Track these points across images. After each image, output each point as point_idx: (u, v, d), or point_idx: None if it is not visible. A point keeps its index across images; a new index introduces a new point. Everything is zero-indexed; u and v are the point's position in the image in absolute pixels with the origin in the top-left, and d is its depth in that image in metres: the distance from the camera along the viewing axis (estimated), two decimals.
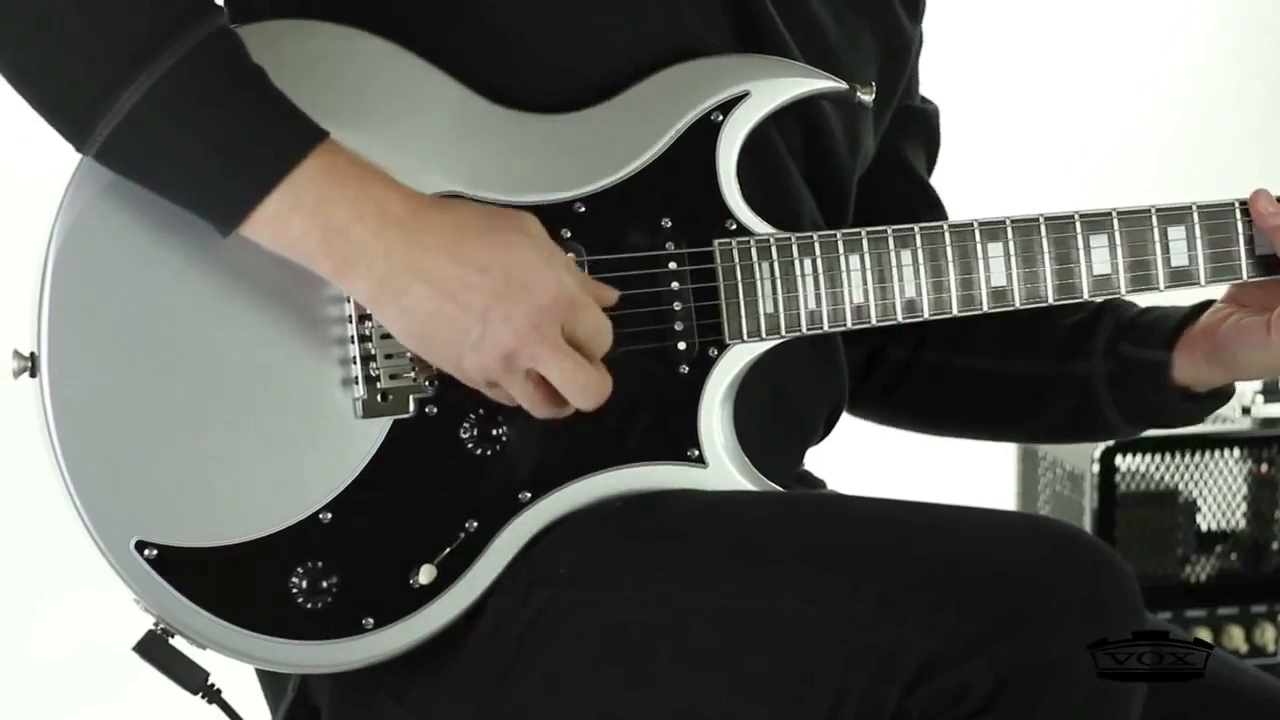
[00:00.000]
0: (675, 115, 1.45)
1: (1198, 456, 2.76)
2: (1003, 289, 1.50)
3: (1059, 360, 1.64)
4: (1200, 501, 2.76)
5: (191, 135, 1.28)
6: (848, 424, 1.65)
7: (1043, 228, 1.51)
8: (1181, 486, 2.75)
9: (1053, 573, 1.29)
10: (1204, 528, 2.76)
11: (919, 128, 1.71)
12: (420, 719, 1.42)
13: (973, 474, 2.98)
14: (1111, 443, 2.70)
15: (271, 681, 1.50)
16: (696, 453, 1.44)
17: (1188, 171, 3.44)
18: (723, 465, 1.44)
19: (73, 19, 1.26)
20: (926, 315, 1.49)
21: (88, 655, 3.06)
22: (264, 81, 1.30)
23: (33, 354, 1.35)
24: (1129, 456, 2.71)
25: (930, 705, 1.27)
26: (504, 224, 1.34)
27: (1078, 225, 1.52)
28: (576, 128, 1.44)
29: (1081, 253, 1.52)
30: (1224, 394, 1.61)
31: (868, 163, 1.62)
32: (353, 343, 1.38)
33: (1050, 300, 1.51)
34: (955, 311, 1.49)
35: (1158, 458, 2.74)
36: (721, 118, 1.45)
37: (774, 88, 1.46)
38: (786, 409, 1.55)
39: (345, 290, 1.34)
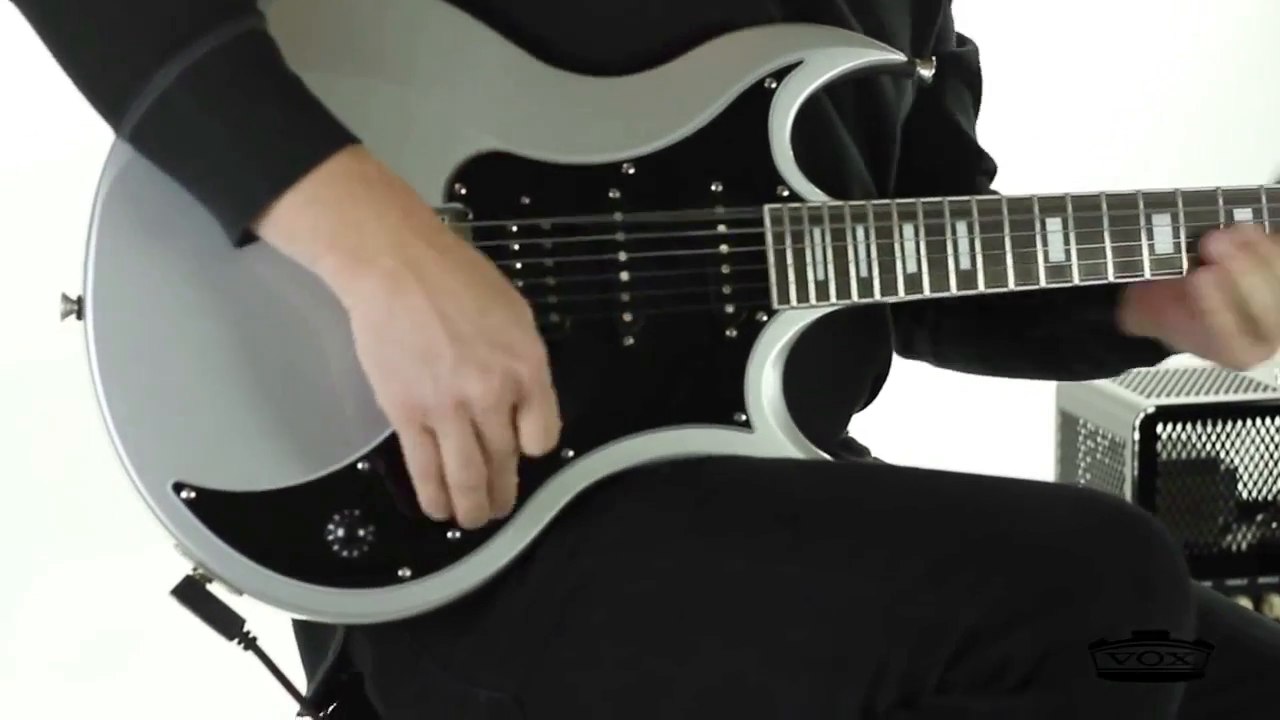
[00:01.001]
0: (729, 81, 1.45)
1: (1239, 425, 2.72)
2: (1061, 265, 1.48)
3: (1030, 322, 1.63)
4: (1241, 470, 2.72)
5: (218, 122, 1.30)
6: (887, 392, 1.63)
7: (1104, 204, 1.48)
8: (1222, 455, 2.71)
9: (1098, 546, 1.26)
10: (1245, 496, 2.71)
11: (959, 73, 1.68)
12: (465, 684, 1.42)
13: (1012, 442, 2.95)
14: (1152, 411, 2.68)
15: (309, 644, 1.52)
16: (743, 417, 1.43)
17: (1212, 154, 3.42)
18: (770, 431, 1.43)
19: (115, 4, 1.31)
20: (982, 288, 1.47)
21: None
22: (297, 85, 1.32)
23: (80, 297, 1.39)
24: (1169, 425, 2.69)
25: (973, 678, 1.25)
26: (513, 290, 1.33)
27: (1140, 203, 1.49)
28: (628, 90, 1.44)
29: (1143, 231, 1.49)
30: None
31: (905, 114, 1.61)
32: None
33: (1110, 278, 1.48)
34: (1012, 285, 1.47)
35: (1199, 426, 2.71)
36: (775, 85, 1.45)
37: (830, 57, 1.46)
38: (831, 374, 1.54)
39: (341, 292, 1.30)
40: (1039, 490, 1.34)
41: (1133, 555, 1.26)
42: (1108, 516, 1.29)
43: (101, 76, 1.32)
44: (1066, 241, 1.47)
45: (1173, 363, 2.93)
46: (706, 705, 1.34)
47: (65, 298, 1.39)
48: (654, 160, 1.43)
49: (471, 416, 1.30)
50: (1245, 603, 2.66)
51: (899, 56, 1.48)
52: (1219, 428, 2.71)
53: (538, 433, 1.32)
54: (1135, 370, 2.84)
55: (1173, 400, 2.74)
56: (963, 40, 1.71)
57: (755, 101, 1.45)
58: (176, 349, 1.38)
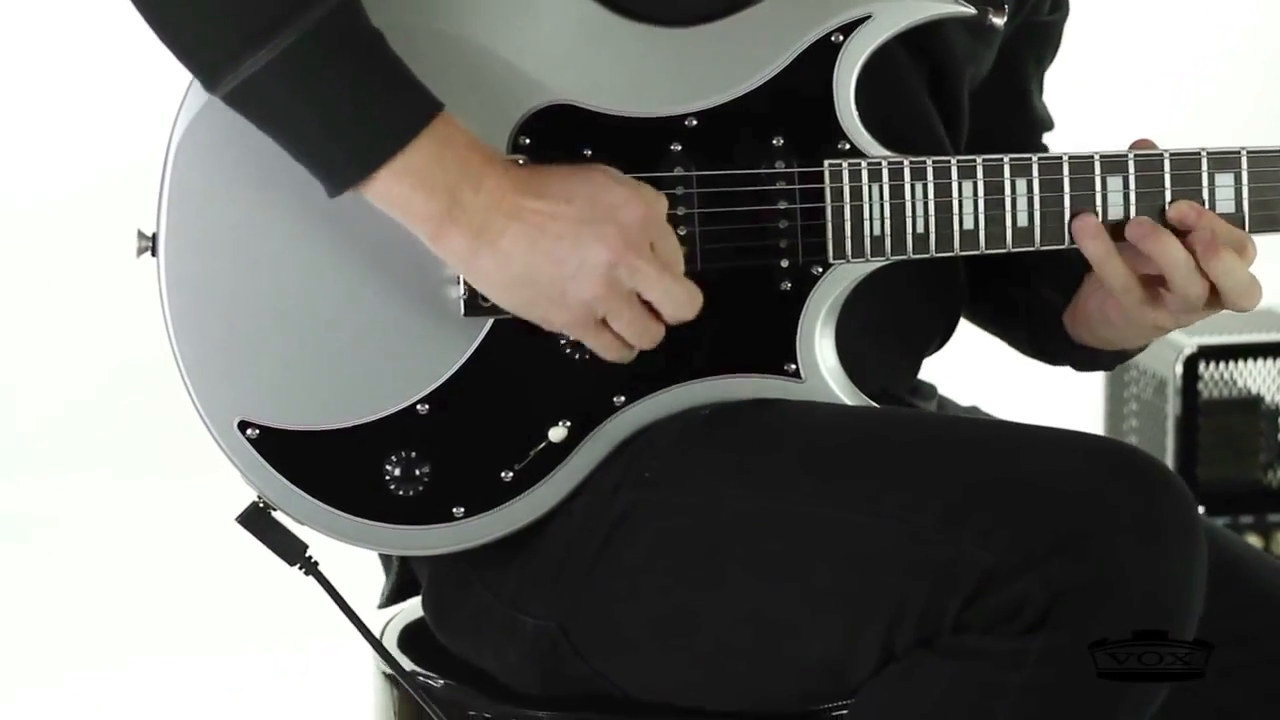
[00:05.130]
0: (796, 34, 1.46)
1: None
2: (1120, 221, 1.48)
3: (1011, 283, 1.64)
4: None
5: (308, 107, 1.33)
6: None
7: (1166, 163, 1.49)
8: (1265, 393, 2.75)
9: (1110, 492, 1.30)
10: None
11: (1045, 42, 1.67)
12: (512, 609, 1.47)
13: (1062, 381, 2.97)
14: (1195, 349, 2.74)
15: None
16: (793, 367, 1.46)
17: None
18: (821, 380, 1.46)
19: None
20: (1038, 244, 1.48)
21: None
22: (382, 51, 1.35)
23: (154, 234, 1.42)
24: (1212, 364, 2.74)
25: (988, 618, 1.29)
26: (584, 165, 1.39)
27: (1204, 162, 1.49)
28: (695, 42, 1.45)
29: (1205, 191, 1.49)
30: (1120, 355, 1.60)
31: (983, 75, 1.61)
32: None
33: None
34: (1068, 243, 1.48)
35: (1241, 364, 2.76)
36: (843, 39, 1.46)
37: (898, 10, 1.46)
38: (900, 322, 1.56)
39: (440, 251, 1.37)
40: (1057, 437, 1.37)
41: (1143, 500, 1.30)
42: (1121, 463, 1.32)
43: (194, 53, 1.35)
44: (1126, 201, 1.48)
45: None
46: (736, 637, 1.39)
47: (141, 234, 1.42)
48: (717, 114, 1.45)
49: (622, 283, 1.36)
50: None
51: (969, 9, 1.48)
52: (1262, 366, 2.75)
53: (674, 255, 1.39)
54: None
55: (1216, 339, 2.76)
56: (1054, 8, 1.68)
57: (821, 56, 1.45)
58: (245, 289, 1.42)
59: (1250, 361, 2.76)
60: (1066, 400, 2.98)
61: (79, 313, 3.87)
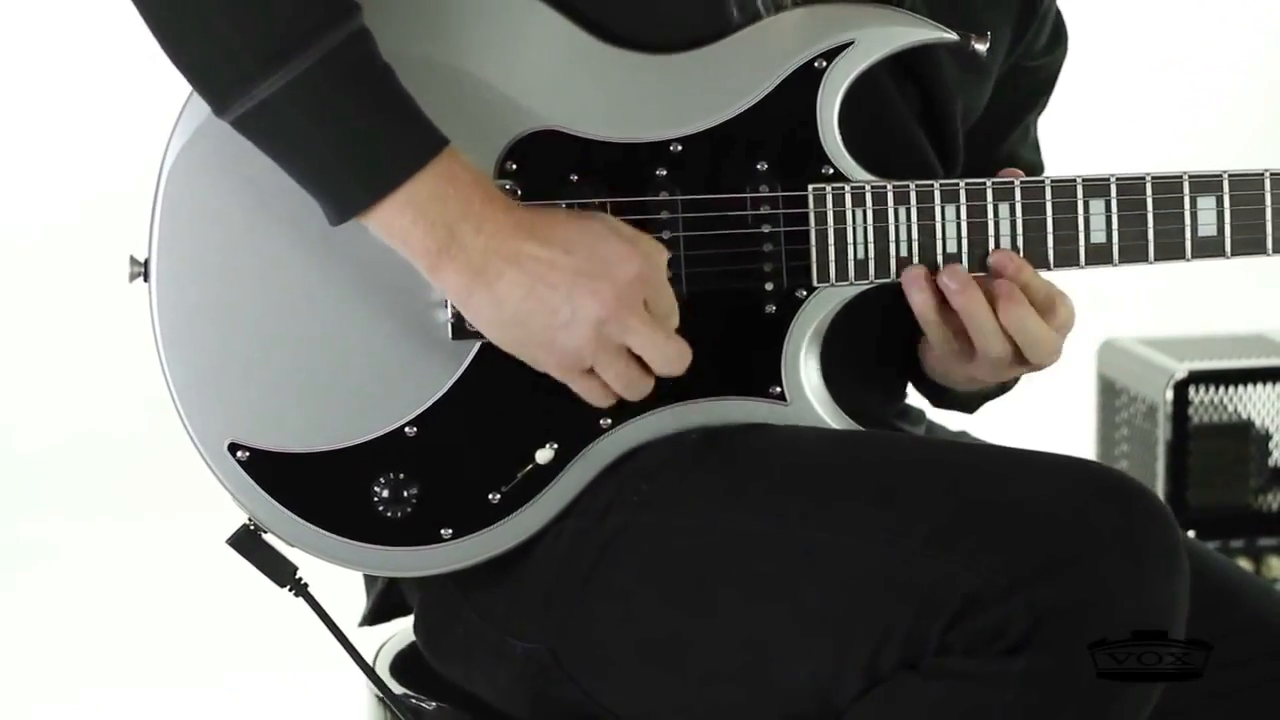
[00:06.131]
0: (779, 61, 1.47)
1: (1271, 388, 2.77)
2: (1102, 246, 1.50)
3: None
4: (1274, 433, 2.77)
5: (319, 132, 1.35)
6: None
7: (1149, 186, 1.50)
8: (1255, 418, 2.76)
9: (1093, 515, 1.31)
10: (1277, 459, 2.78)
11: (1031, 85, 1.69)
12: (502, 632, 1.48)
13: (1055, 405, 2.99)
14: (1185, 374, 2.74)
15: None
16: (779, 389, 1.47)
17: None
18: (806, 403, 1.47)
19: (220, 16, 1.34)
20: None
21: None
22: (392, 83, 1.37)
23: (146, 260, 1.43)
24: (1203, 389, 2.74)
25: (971, 640, 1.30)
26: (586, 213, 1.41)
27: (1185, 185, 1.51)
28: (680, 68, 1.47)
29: (1187, 214, 1.51)
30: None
31: (977, 112, 1.62)
32: None
33: (1151, 260, 1.51)
34: (1052, 267, 1.50)
35: (1232, 389, 2.76)
36: (825, 64, 1.47)
37: (881, 36, 1.48)
38: (882, 343, 1.57)
39: (437, 283, 1.39)
40: (1042, 461, 1.39)
41: (1126, 525, 1.31)
42: (1105, 487, 1.34)
43: (205, 75, 1.36)
44: (1109, 224, 1.50)
45: (1207, 328, 2.98)
46: (725, 658, 1.40)
47: (133, 260, 1.43)
48: (702, 139, 1.46)
49: (611, 338, 1.38)
50: (1276, 562, 2.73)
51: (951, 35, 1.49)
52: (1252, 392, 2.76)
53: (669, 311, 1.41)
54: (1170, 335, 2.90)
55: (1207, 364, 2.78)
56: (1057, 37, 1.69)
57: (805, 81, 1.47)
58: (236, 313, 1.43)
59: (1241, 387, 2.77)
60: (1058, 426, 2.99)
61: (79, 341, 3.90)
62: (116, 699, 3.05)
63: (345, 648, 1.49)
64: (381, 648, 1.66)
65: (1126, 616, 1.28)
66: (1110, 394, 2.94)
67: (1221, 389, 2.75)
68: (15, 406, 3.93)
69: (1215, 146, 3.37)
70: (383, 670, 1.61)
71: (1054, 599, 1.28)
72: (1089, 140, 3.15)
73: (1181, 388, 2.73)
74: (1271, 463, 2.77)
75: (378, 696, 1.56)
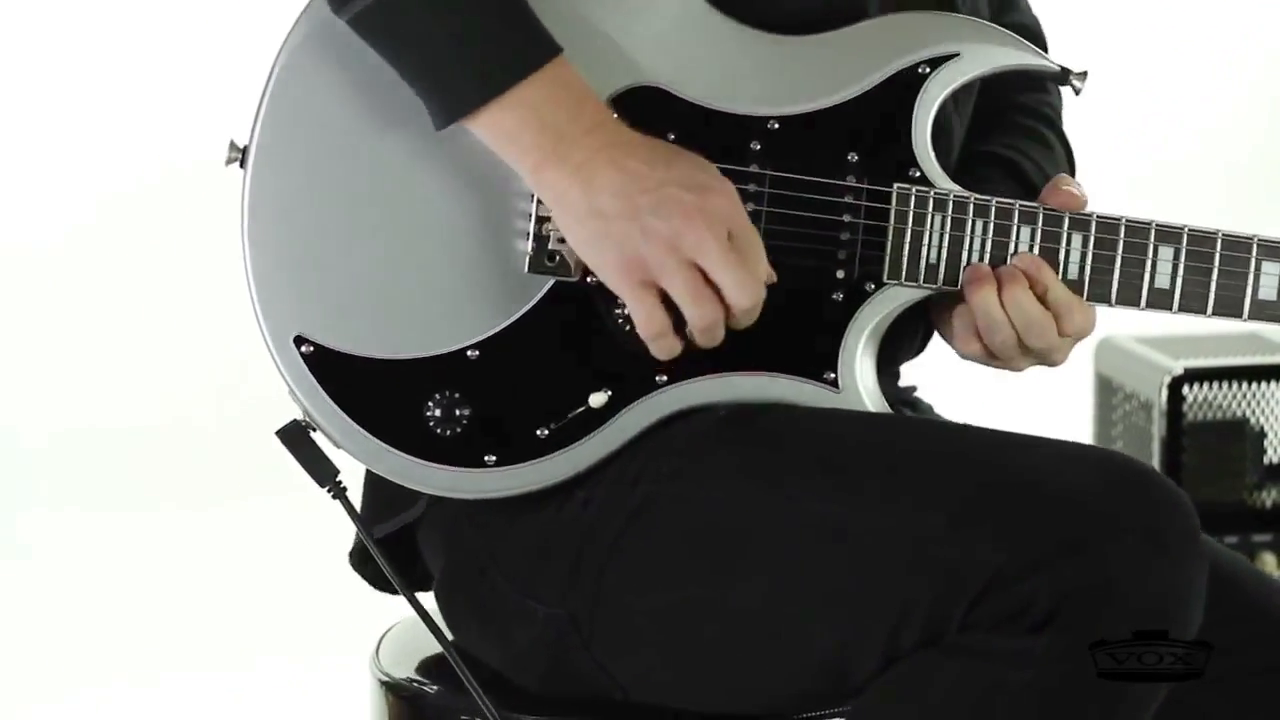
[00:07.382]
0: (885, 59, 1.50)
1: (1266, 386, 2.80)
2: (1165, 292, 1.53)
3: None
4: (1269, 431, 2.81)
5: (437, 27, 1.38)
6: (933, 354, 1.67)
7: (1218, 243, 1.53)
8: (1250, 416, 2.79)
9: (1118, 502, 1.36)
10: (1273, 456, 2.82)
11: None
12: (527, 597, 1.51)
13: (1052, 402, 3.02)
14: (1179, 372, 2.77)
15: (378, 497, 1.58)
16: (832, 376, 1.50)
17: None
18: (856, 393, 1.50)
19: None
20: (1084, 298, 1.53)
21: None
22: None
23: (245, 147, 1.46)
24: (1197, 386, 2.77)
25: (995, 617, 1.34)
26: (696, 155, 1.44)
27: (1254, 249, 1.53)
28: (789, 50, 1.50)
29: (1251, 276, 1.54)
30: None
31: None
32: (532, 199, 1.46)
33: (1208, 313, 1.54)
34: (1112, 304, 1.53)
35: (1226, 387, 2.79)
36: (929, 70, 1.50)
37: (986, 54, 1.51)
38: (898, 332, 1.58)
39: (538, 186, 1.42)
40: (1064, 448, 1.43)
41: (1148, 510, 1.36)
42: (1129, 475, 1.39)
43: None
44: (1175, 271, 1.53)
45: (1203, 326, 3.01)
46: (745, 632, 1.44)
47: (232, 145, 1.46)
48: (799, 121, 1.49)
49: (684, 251, 1.41)
50: (1270, 558, 2.78)
51: (1054, 65, 1.52)
52: (1247, 389, 2.79)
53: (752, 244, 1.43)
54: (1166, 333, 2.93)
55: (1201, 362, 2.81)
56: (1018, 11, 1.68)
57: (907, 83, 1.50)
58: (325, 211, 1.46)
59: (1235, 384, 2.79)
60: (1055, 422, 3.02)
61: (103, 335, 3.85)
62: (115, 696, 3.04)
63: (383, 566, 1.48)
64: (382, 639, 1.68)
65: (1147, 599, 1.33)
66: (1107, 391, 2.97)
67: (1217, 386, 2.78)
68: (18, 401, 3.83)
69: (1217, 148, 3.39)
70: (386, 655, 1.64)
71: (1077, 579, 1.32)
72: (1090, 141, 3.16)
73: (1177, 385, 2.76)
74: (1266, 460, 2.81)
75: (381, 681, 1.58)
